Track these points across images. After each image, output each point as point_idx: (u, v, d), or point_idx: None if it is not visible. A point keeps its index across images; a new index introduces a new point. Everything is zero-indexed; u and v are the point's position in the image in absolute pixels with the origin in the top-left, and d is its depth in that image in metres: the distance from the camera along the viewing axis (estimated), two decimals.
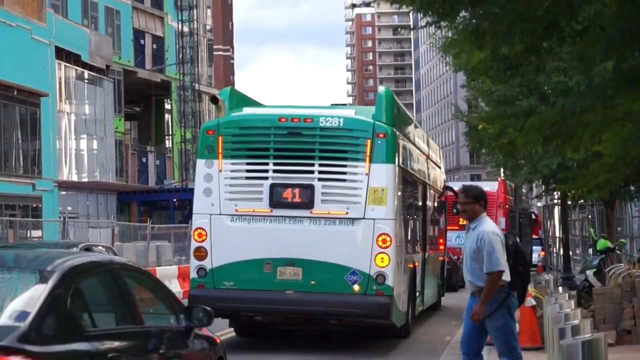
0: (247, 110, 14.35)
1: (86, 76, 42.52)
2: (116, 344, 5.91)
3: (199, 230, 13.63)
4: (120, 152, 47.85)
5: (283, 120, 13.79)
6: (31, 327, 5.21)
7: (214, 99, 14.26)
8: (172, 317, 6.97)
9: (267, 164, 13.69)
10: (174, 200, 45.65)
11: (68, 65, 40.46)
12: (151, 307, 6.92)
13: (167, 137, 55.75)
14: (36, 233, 28.34)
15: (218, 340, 7.72)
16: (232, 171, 13.70)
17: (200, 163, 13.86)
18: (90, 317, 5.87)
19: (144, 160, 51.99)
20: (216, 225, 13.57)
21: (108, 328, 6.09)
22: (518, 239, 9.15)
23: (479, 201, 8.56)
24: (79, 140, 41.82)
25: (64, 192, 39.09)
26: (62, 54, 39.49)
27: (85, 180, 41.80)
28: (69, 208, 37.84)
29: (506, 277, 8.45)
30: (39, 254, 6.72)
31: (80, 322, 5.73)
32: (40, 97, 36.08)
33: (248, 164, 13.75)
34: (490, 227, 8.50)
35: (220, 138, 13.73)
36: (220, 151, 13.69)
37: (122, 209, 44.95)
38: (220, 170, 13.66)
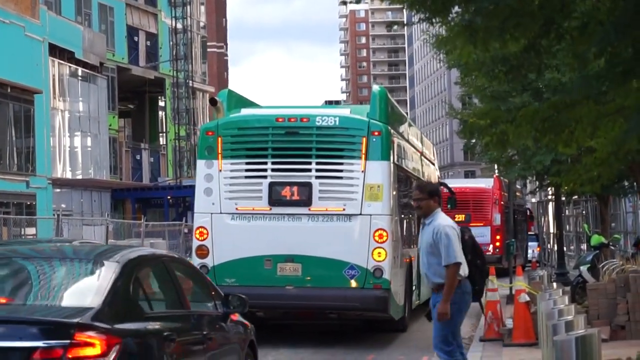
0: (245, 111, 14.57)
1: (80, 73, 42.49)
2: (169, 325, 6.80)
3: (200, 229, 13.85)
4: (114, 150, 47.82)
5: (280, 120, 13.98)
6: (102, 308, 6.16)
7: (212, 101, 14.47)
8: (211, 304, 7.91)
9: (265, 163, 13.91)
10: (168, 197, 45.69)
11: (62, 62, 40.42)
12: (194, 294, 7.87)
13: (161, 134, 55.72)
14: (30, 230, 28.37)
15: (249, 326, 8.50)
16: (231, 171, 13.93)
17: (201, 163, 14.07)
18: (147, 302, 6.86)
19: (138, 157, 51.95)
20: (217, 224, 13.78)
21: (162, 311, 7.08)
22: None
23: (434, 197, 8.66)
24: (72, 137, 41.79)
25: (58, 190, 39.05)
26: (56, 51, 39.43)
27: (79, 177, 41.77)
28: (63, 205, 37.83)
29: (464, 271, 8.54)
30: (98, 247, 7.86)
31: (140, 306, 6.70)
32: (33, 94, 36.01)
33: (247, 163, 13.98)
34: (445, 221, 8.58)
35: (219, 139, 13.94)
36: (219, 151, 13.92)
37: (116, 207, 44.96)
38: (220, 170, 13.87)
